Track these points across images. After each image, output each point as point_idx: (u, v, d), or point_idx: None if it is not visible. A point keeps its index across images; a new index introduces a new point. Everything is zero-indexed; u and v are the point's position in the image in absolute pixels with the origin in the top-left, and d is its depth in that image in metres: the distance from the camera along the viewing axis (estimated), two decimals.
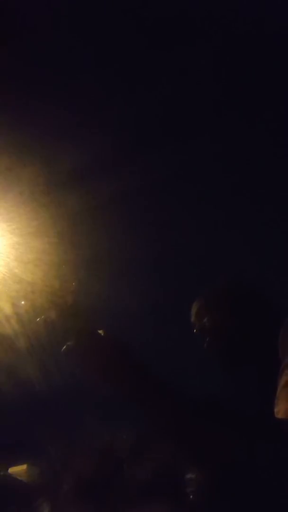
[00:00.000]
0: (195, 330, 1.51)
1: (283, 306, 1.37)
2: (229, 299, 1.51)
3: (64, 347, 1.09)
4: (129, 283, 2.15)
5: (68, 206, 2.05)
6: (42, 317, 1.18)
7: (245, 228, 2.24)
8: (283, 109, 2.10)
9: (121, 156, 2.10)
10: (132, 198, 2.14)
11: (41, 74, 2.02)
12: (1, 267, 1.69)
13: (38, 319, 1.20)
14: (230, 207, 2.23)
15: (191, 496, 1.27)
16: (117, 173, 2.08)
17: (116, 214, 2.17)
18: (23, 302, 1.47)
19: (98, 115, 2.09)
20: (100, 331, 1.11)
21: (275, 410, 1.09)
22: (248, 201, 2.21)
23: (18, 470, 1.98)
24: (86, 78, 2.06)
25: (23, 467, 1.99)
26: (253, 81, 2.08)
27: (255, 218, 2.22)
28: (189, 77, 2.06)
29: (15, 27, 1.97)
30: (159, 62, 2.04)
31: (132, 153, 2.12)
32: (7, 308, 1.62)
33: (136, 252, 2.17)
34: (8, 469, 1.96)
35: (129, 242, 2.18)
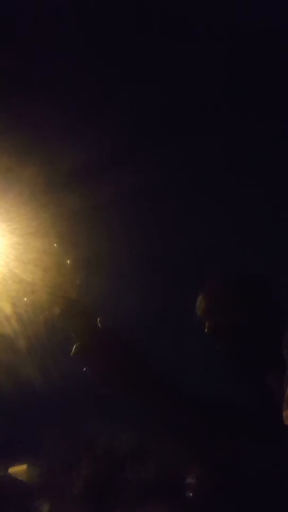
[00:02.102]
0: (205, 330, 1.44)
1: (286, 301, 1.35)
2: (238, 294, 1.46)
3: (74, 348, 1.07)
4: (130, 282, 2.15)
5: (68, 206, 2.05)
6: (45, 314, 1.16)
7: (246, 225, 2.23)
8: (284, 109, 2.09)
9: (121, 156, 2.10)
10: (132, 198, 2.14)
11: (41, 73, 2.02)
12: (1, 267, 1.69)
13: (40, 317, 1.18)
14: (231, 206, 2.23)
15: (191, 497, 1.27)
16: (117, 173, 2.08)
17: (116, 214, 2.16)
18: (25, 299, 1.46)
19: (98, 114, 2.09)
20: (101, 322, 1.09)
21: (284, 415, 1.07)
22: (250, 198, 2.20)
23: (18, 470, 1.98)
24: (86, 77, 2.06)
25: (23, 467, 1.99)
26: (253, 81, 2.08)
27: (257, 215, 2.22)
28: (189, 75, 2.06)
29: (15, 26, 1.98)
30: (160, 61, 2.04)
31: (132, 152, 2.12)
32: (7, 308, 1.62)
33: (137, 251, 2.17)
34: (8, 469, 1.96)
35: (129, 242, 2.18)
